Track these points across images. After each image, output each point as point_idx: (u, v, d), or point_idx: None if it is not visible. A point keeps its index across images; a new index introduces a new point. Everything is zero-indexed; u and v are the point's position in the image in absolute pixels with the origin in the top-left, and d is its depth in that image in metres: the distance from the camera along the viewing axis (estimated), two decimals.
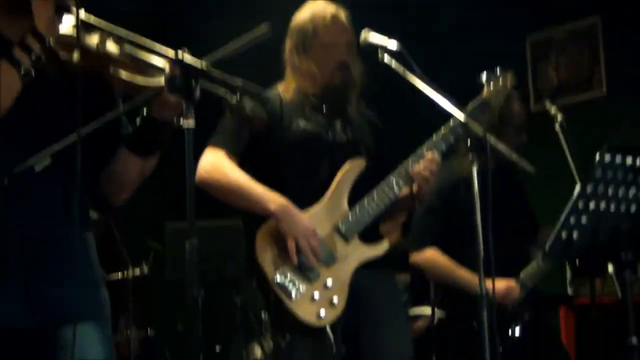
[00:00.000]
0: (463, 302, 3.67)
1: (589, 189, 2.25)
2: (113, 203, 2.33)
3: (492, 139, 2.69)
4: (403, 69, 2.95)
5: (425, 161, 3.01)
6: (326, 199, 2.99)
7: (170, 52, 2.09)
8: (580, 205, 2.25)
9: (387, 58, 3.00)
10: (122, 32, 2.15)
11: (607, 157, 2.26)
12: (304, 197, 2.97)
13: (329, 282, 2.89)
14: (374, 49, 3.04)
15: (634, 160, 2.29)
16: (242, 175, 2.98)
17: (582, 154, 4.95)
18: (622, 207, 2.34)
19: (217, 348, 5.39)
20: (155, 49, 2.13)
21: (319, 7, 3.18)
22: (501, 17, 5.86)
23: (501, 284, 3.62)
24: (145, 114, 2.17)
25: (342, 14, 3.18)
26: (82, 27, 2.15)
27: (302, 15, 3.19)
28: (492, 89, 3.31)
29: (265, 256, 2.87)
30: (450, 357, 3.95)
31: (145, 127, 2.18)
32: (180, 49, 2.02)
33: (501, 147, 2.77)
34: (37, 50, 2.01)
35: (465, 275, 3.68)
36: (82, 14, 2.15)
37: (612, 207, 2.32)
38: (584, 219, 2.27)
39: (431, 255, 3.81)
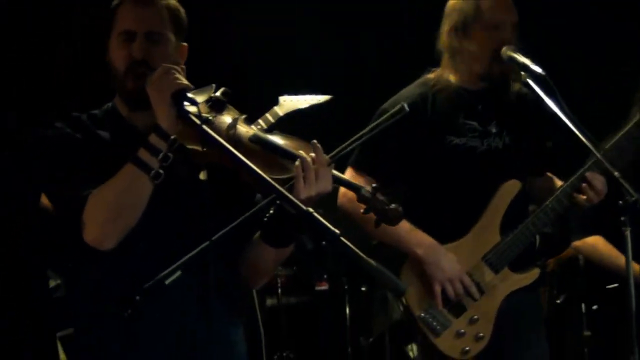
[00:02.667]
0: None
1: None
2: (252, 287, 2.35)
3: None
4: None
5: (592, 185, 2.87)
6: (477, 227, 2.91)
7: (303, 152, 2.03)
8: None
9: (529, 79, 2.77)
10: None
11: None
12: (459, 218, 2.90)
13: (476, 316, 2.87)
14: (517, 67, 2.82)
15: None
16: None
17: None
18: None
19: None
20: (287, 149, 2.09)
21: None
22: None
23: None
24: (276, 207, 2.10)
25: None
26: (215, 104, 2.12)
27: None
28: None
29: (411, 290, 2.85)
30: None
31: (277, 220, 2.12)
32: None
33: None
34: (163, 148, 1.98)
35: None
36: (212, 90, 2.13)
37: None
38: None
39: (594, 242, 3.72)
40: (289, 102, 3.49)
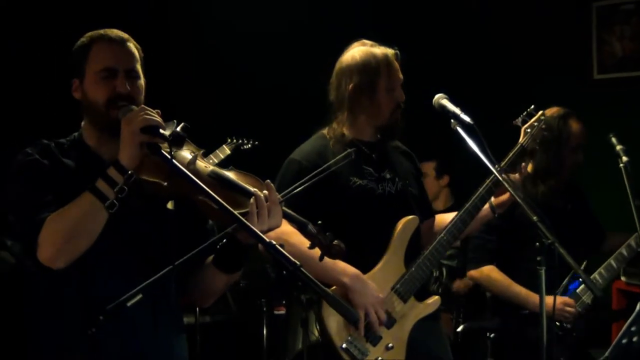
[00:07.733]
0: (517, 316, 3.86)
1: None
2: (201, 306, 2.51)
3: (560, 247, 2.68)
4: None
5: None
6: (385, 259, 3.14)
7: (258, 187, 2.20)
8: None
9: (458, 127, 2.99)
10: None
11: None
12: (363, 253, 3.07)
13: (390, 344, 3.08)
14: (446, 113, 3.07)
15: None
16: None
17: None
18: None
19: None
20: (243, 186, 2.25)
21: (379, 49, 3.23)
22: None
23: (558, 300, 3.73)
24: (229, 237, 2.30)
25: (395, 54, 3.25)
26: (175, 139, 2.23)
27: (362, 55, 3.21)
28: (528, 133, 3.40)
29: (332, 323, 3.00)
30: None
31: (229, 249, 2.33)
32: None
33: (563, 252, 2.71)
34: (120, 181, 2.15)
35: (521, 292, 3.85)
36: (173, 126, 2.25)
37: None
38: None
39: (488, 272, 3.98)
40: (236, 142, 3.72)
